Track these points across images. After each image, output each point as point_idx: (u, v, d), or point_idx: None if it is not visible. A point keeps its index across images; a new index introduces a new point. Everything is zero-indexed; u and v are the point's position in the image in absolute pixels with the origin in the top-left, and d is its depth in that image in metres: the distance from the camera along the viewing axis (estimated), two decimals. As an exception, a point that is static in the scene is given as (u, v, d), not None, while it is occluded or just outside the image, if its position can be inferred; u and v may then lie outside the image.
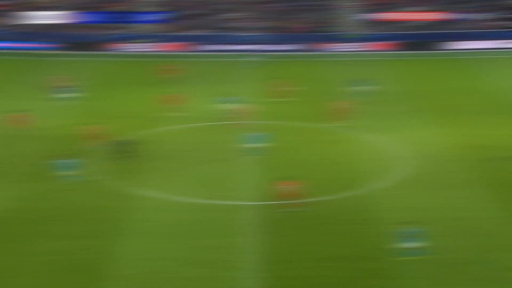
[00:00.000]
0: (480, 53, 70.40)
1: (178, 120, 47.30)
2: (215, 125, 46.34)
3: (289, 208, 32.68)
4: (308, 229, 31.24)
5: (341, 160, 40.35)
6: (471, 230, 31.03)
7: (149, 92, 53.87)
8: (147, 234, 30.77)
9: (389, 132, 45.18)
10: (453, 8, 76.09)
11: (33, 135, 43.79)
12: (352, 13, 76.64)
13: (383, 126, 46.42)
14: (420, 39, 73.33)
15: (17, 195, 35.05)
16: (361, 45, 73.06)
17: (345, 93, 53.45)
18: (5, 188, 35.86)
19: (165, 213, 33.13)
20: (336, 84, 56.69)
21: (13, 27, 75.56)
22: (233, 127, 44.59)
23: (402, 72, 63.37)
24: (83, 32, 75.43)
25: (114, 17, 77.80)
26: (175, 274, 27.42)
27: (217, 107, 48.31)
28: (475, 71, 63.52)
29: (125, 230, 31.14)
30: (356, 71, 61.83)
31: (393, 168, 38.79)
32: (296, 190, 32.74)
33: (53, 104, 50.44)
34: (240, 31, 75.99)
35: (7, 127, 44.09)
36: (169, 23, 76.59)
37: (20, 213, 32.97)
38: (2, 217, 32.50)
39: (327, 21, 76.43)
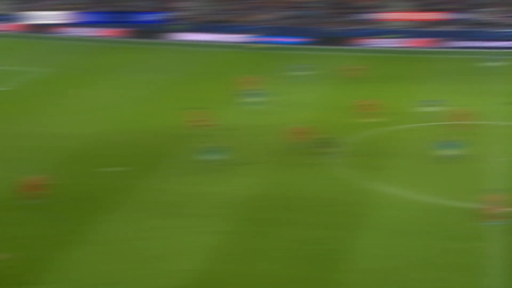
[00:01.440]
0: None
1: (407, 119, 46.65)
2: (441, 125, 44.83)
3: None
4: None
5: None
6: None
7: (391, 88, 53.66)
8: (385, 231, 30.78)
9: None
10: None
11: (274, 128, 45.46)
12: None
13: None
14: None
15: (264, 183, 36.57)
16: None
17: None
18: (254, 176, 37.68)
19: (404, 211, 32.92)
20: None
21: (269, 22, 78.80)
22: (459, 128, 43.12)
23: None
24: (332, 27, 76.79)
25: (115, 16, 78.69)
26: (412, 274, 27.17)
27: (441, 108, 46.90)
28: None
29: (364, 224, 31.42)
30: None
31: None
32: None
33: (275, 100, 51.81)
34: (494, 27, 73.14)
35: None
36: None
37: (267, 200, 34.31)
38: (252, 202, 34.02)
39: None
